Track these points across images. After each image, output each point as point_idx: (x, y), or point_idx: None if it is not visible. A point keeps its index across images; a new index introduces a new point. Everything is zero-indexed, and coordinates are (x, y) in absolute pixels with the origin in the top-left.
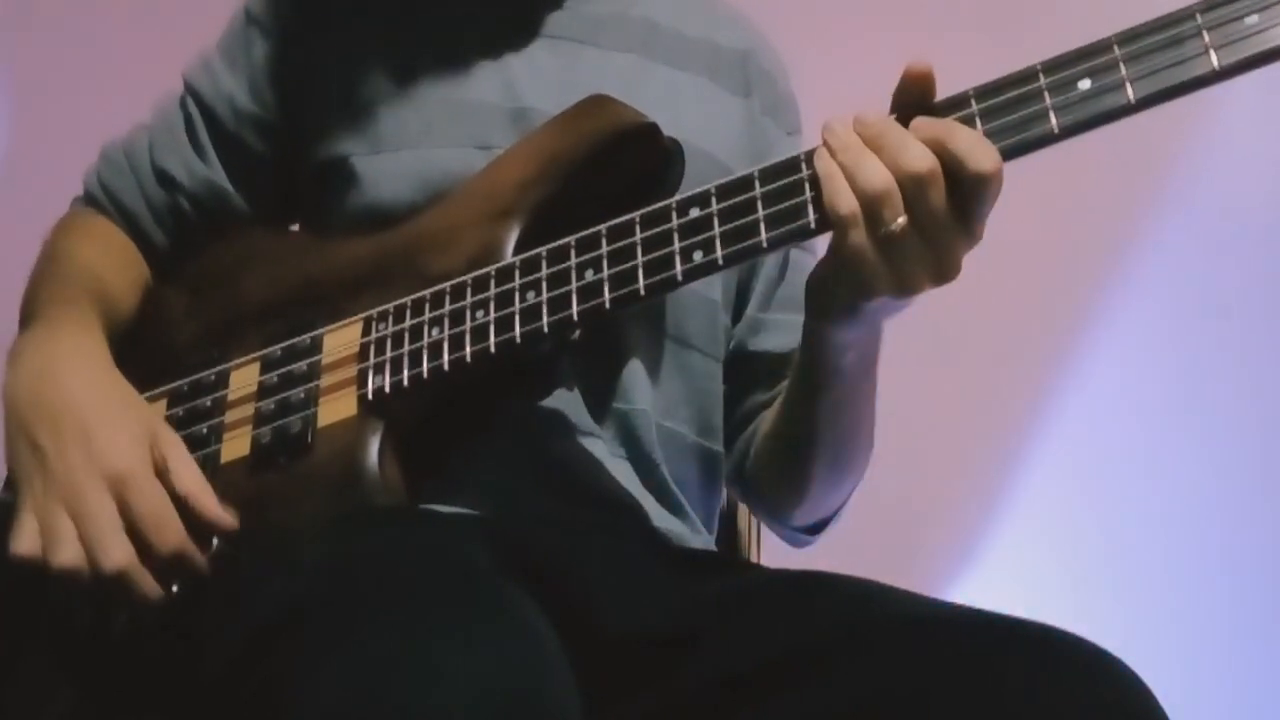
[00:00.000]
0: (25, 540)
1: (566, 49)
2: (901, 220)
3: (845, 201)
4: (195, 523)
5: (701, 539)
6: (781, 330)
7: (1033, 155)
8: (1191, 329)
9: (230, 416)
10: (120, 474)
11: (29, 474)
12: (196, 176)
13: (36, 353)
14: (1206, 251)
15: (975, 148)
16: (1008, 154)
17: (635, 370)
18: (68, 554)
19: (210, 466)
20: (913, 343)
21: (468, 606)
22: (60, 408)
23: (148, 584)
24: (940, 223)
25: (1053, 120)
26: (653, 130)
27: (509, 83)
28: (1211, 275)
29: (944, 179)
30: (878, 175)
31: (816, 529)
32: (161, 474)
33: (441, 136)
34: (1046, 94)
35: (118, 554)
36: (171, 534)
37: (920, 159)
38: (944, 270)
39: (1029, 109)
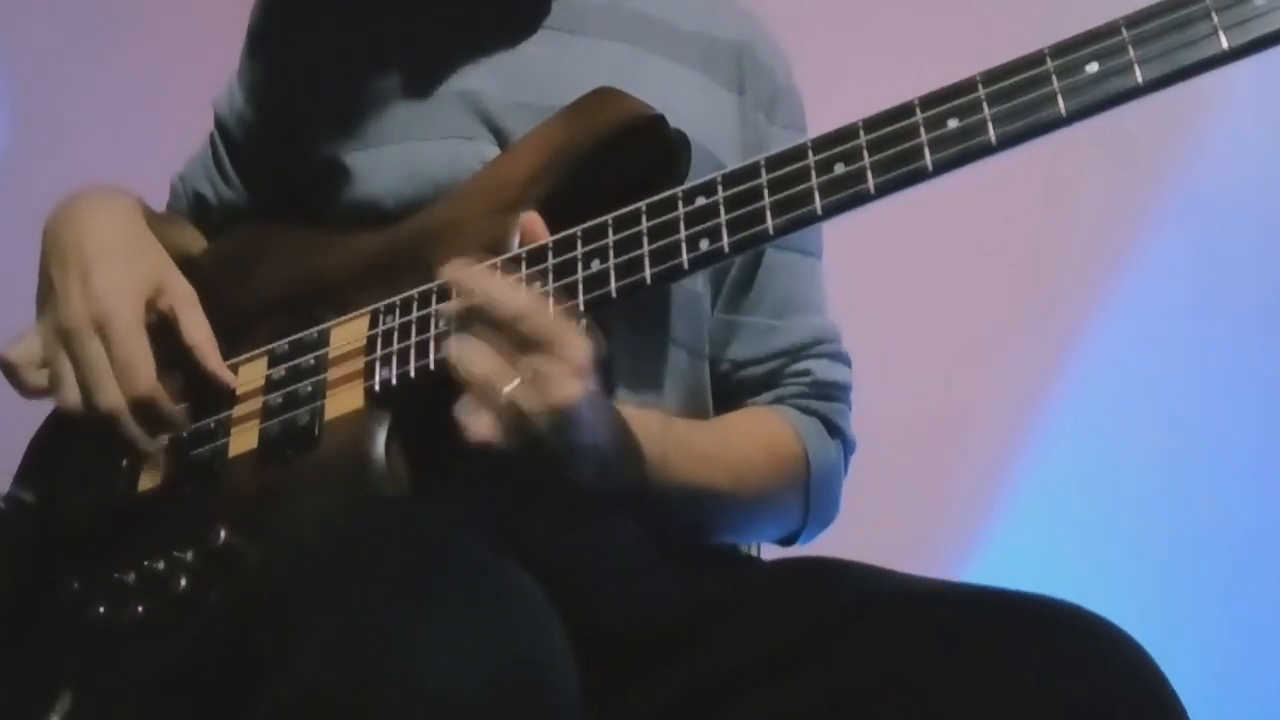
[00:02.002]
0: (19, 352)
1: (556, 39)
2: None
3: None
4: (199, 375)
5: None
6: (747, 335)
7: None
8: (1193, 321)
9: (239, 410)
10: (103, 317)
11: (41, 306)
12: (222, 198)
13: (72, 199)
14: (1207, 246)
15: (495, 303)
16: (1017, 138)
17: (622, 371)
18: (69, 395)
19: (219, 460)
20: (918, 335)
21: (465, 582)
22: (71, 246)
23: (130, 428)
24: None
25: (1061, 104)
26: (659, 122)
27: (497, 75)
28: (1210, 271)
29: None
30: (478, 362)
31: (781, 543)
32: (170, 325)
33: (428, 130)
34: (1054, 77)
35: (108, 396)
36: (139, 381)
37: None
38: (553, 403)
39: (1036, 93)
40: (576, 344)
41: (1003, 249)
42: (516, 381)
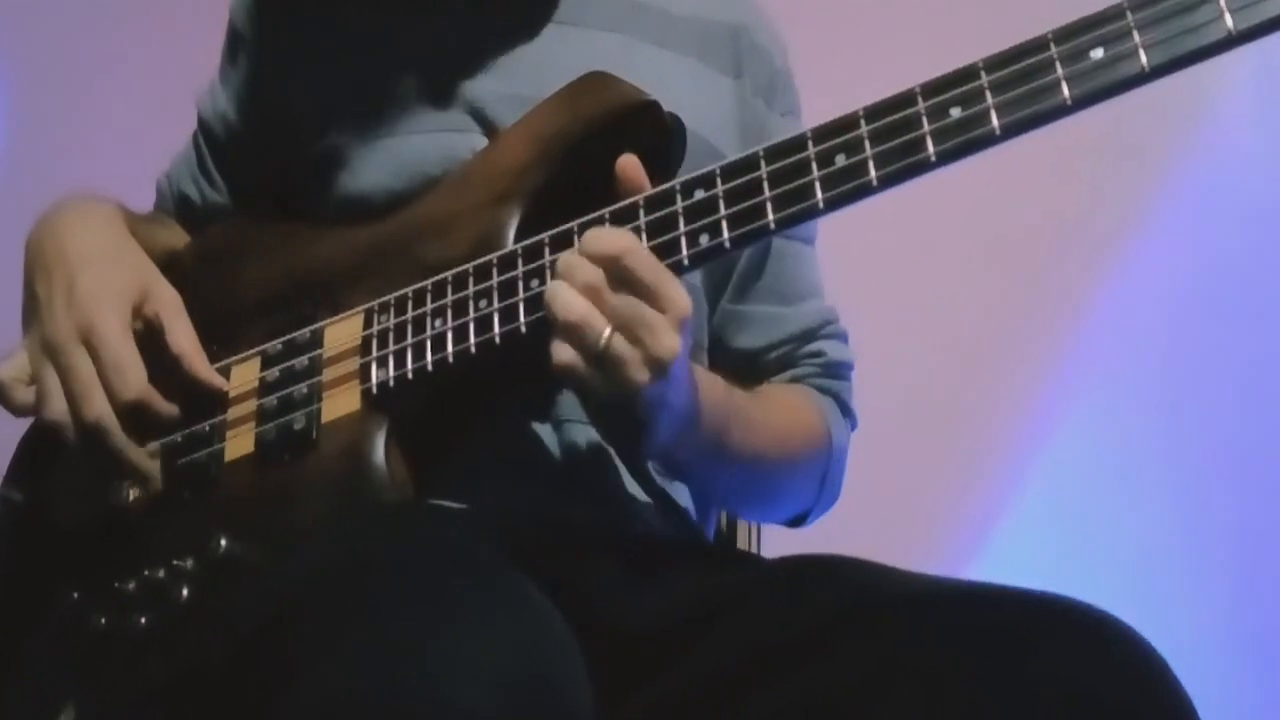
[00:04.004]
0: (7, 370)
1: (548, 31)
2: (605, 336)
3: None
4: (186, 382)
5: (698, 531)
6: (760, 324)
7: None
8: (1195, 320)
9: (233, 414)
10: (88, 325)
11: (27, 320)
12: (207, 199)
13: (53, 211)
14: (1208, 246)
15: (598, 238)
16: (1020, 127)
17: None
18: (54, 408)
19: (215, 465)
20: (920, 336)
21: (478, 594)
22: (54, 258)
23: (117, 435)
24: (627, 316)
25: (1065, 91)
26: (652, 107)
27: (488, 68)
28: (1211, 271)
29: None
30: (574, 304)
31: (792, 523)
32: (156, 333)
33: (419, 123)
34: (1058, 64)
35: (95, 406)
36: (130, 385)
37: (585, 273)
38: (654, 354)
39: (1040, 80)
40: (679, 293)
41: (1006, 246)
42: (609, 330)
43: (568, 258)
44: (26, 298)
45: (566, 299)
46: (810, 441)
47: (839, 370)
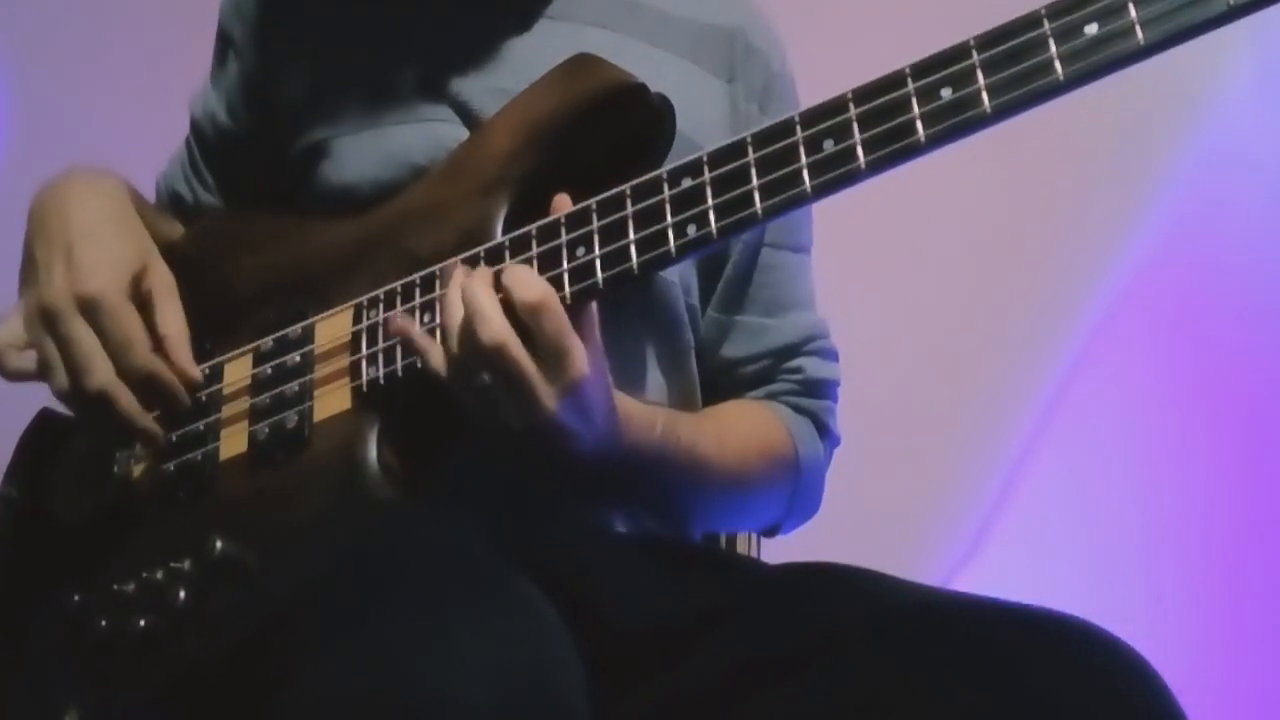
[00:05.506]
0: (2, 334)
1: (539, 24)
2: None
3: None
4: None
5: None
6: (743, 334)
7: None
8: (1194, 324)
9: (226, 412)
10: (90, 296)
11: (25, 283)
12: (199, 198)
13: (60, 178)
14: (1206, 247)
15: (520, 283)
16: (1013, 108)
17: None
18: (58, 380)
19: (210, 464)
20: (915, 338)
21: (476, 594)
22: (56, 224)
23: (126, 401)
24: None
25: (1059, 69)
26: (640, 90)
27: (476, 61)
28: (1209, 272)
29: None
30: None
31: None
32: (148, 311)
33: (405, 114)
34: (1052, 41)
35: (98, 375)
36: (138, 356)
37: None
38: (531, 412)
39: (1034, 59)
40: (576, 359)
41: (1001, 248)
42: (490, 378)
43: (481, 305)
44: (25, 261)
45: (430, 350)
46: (772, 462)
47: (818, 389)
